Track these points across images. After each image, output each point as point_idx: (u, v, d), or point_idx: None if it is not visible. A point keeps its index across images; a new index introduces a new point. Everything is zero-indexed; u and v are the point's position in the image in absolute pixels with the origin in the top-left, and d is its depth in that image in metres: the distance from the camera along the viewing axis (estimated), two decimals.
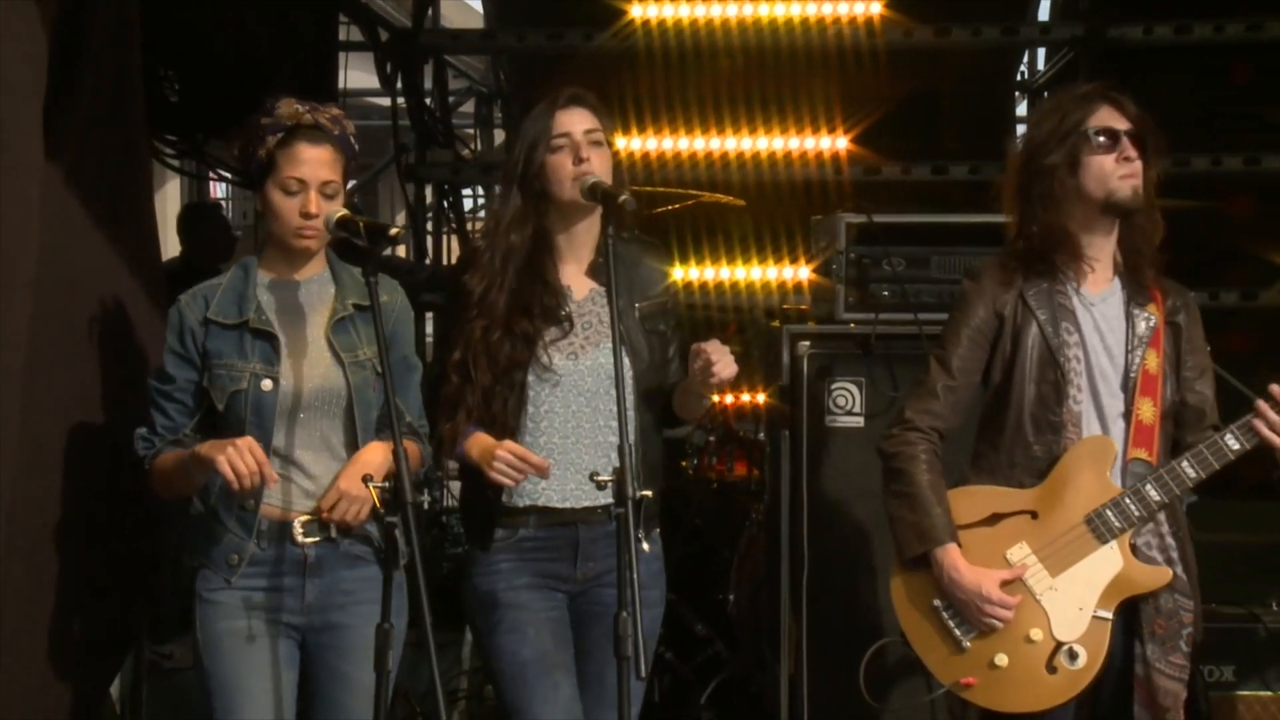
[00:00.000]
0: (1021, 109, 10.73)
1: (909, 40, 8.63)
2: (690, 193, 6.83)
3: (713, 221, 8.65)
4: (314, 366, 4.23)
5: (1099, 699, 4.33)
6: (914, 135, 9.26)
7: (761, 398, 6.65)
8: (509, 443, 4.15)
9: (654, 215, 6.85)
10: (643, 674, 3.96)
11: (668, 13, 8.66)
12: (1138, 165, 4.22)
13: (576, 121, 4.30)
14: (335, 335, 4.24)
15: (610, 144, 4.36)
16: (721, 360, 4.18)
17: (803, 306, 6.05)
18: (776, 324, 5.70)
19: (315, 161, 4.21)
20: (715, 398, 6.09)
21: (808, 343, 5.45)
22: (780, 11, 8.69)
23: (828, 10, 8.66)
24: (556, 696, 4.38)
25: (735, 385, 6.71)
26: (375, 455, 4.15)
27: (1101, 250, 4.30)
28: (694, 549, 6.67)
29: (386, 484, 3.99)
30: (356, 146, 4.29)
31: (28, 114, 4.29)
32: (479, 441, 4.21)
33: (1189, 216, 8.00)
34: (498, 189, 4.50)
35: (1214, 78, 8.86)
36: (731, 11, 8.69)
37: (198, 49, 6.49)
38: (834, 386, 5.43)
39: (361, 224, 4.10)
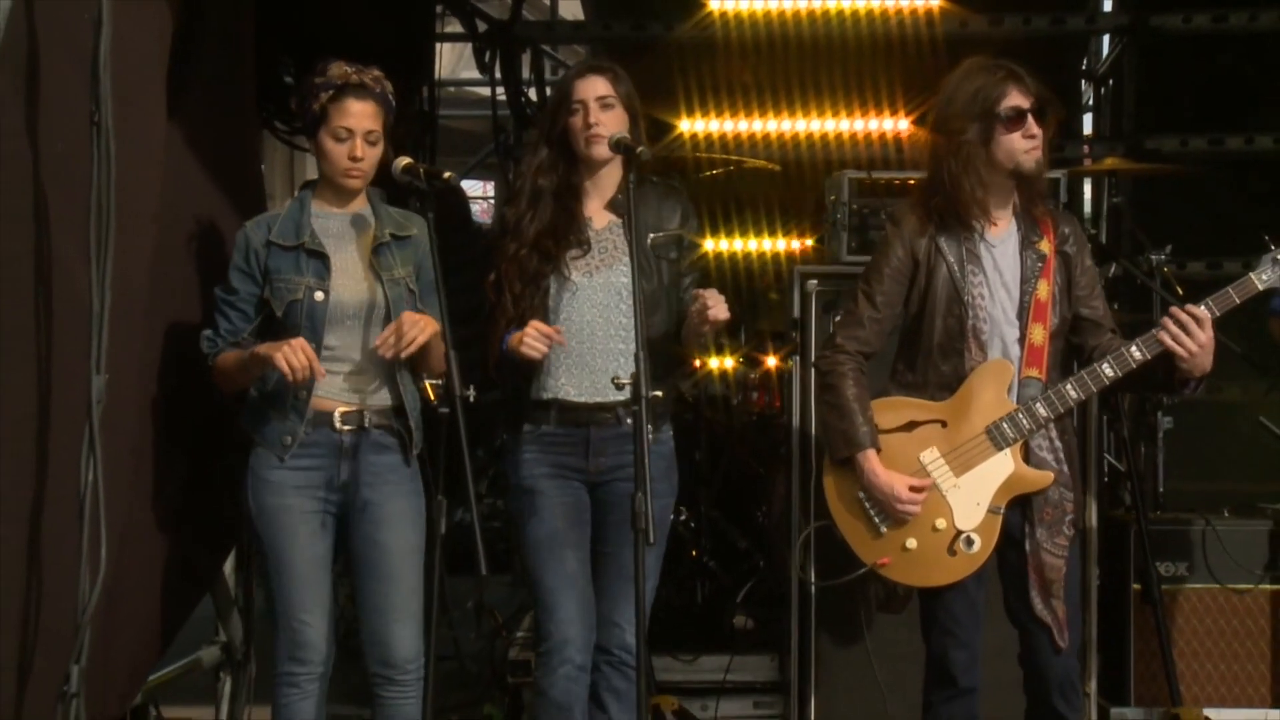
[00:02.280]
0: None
1: (964, 30, 9.09)
2: (732, 158, 7.64)
3: (784, 199, 9.30)
4: (358, 282, 5.06)
5: (1006, 580, 5.09)
6: None
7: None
8: (534, 321, 4.98)
9: (708, 180, 7.73)
10: (652, 540, 4.70)
11: (743, 5, 9.22)
12: (1039, 138, 4.95)
13: (590, 89, 5.12)
14: (375, 257, 5.07)
15: (625, 104, 5.14)
16: (717, 305, 5.00)
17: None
18: None
19: (361, 114, 5.03)
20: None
21: (815, 281, 6.22)
22: (846, 3, 9.23)
23: (890, 2, 9.18)
24: (563, 568, 5.16)
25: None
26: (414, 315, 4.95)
27: (1003, 203, 5.05)
28: (737, 474, 7.44)
29: (439, 381, 4.88)
30: (394, 103, 5.11)
31: (154, 81, 5.09)
32: (517, 334, 5.01)
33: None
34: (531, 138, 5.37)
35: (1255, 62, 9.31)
36: (802, 3, 9.23)
37: (309, 37, 6.94)
38: (837, 318, 6.01)
39: (422, 170, 5.00)
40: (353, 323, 5.06)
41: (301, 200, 5.13)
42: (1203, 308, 4.88)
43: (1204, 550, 6.46)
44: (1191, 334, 4.84)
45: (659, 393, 5.03)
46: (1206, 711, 6.26)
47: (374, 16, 7.87)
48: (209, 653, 6.27)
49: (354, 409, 5.04)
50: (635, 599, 4.86)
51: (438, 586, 4.94)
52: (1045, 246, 5.05)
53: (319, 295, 5.02)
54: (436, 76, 8.94)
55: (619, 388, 4.87)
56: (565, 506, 5.20)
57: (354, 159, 5.03)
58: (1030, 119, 4.94)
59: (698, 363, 7.50)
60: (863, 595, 5.93)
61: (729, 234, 9.20)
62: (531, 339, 4.97)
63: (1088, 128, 10.90)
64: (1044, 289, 5.03)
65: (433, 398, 4.90)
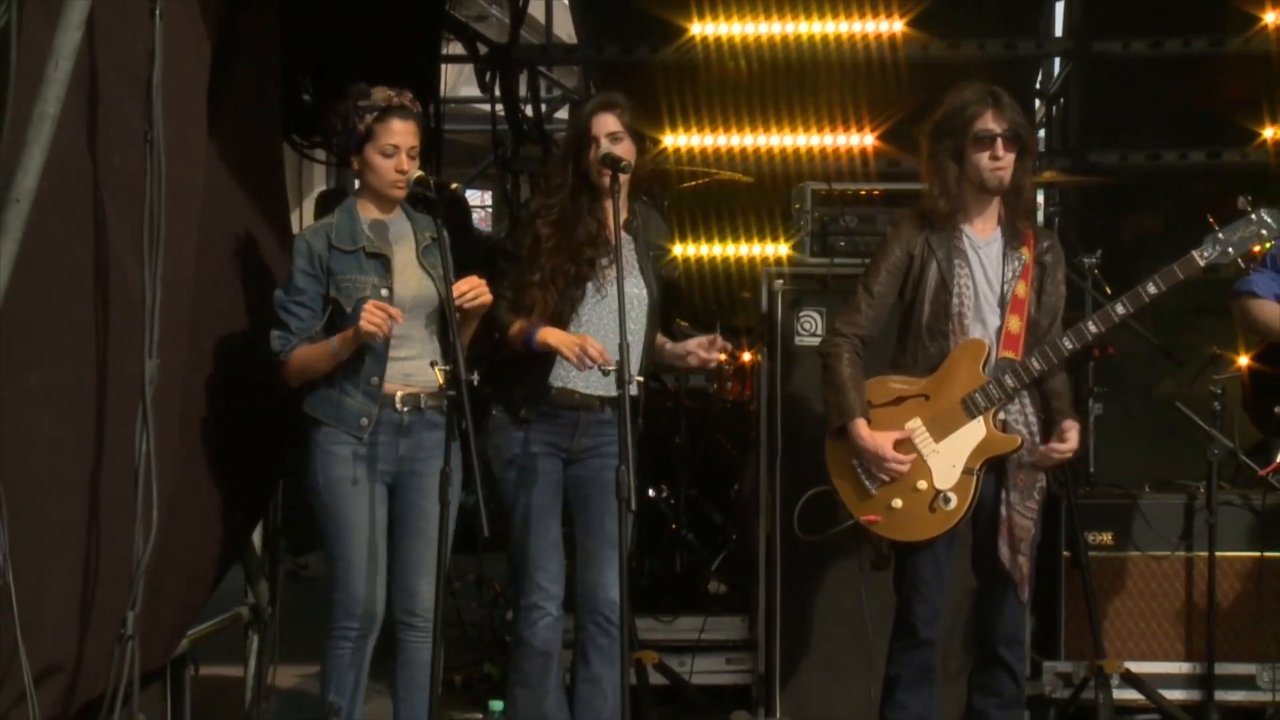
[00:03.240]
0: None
1: (925, 53, 9.40)
2: (710, 170, 7.95)
3: (759, 207, 9.58)
4: (414, 279, 5.42)
5: (976, 535, 5.51)
6: None
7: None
8: (594, 340, 5.38)
9: (688, 191, 8.08)
10: (634, 508, 5.19)
11: (722, 30, 9.49)
12: (1006, 160, 5.36)
13: (603, 126, 5.57)
14: (424, 257, 5.46)
15: (632, 134, 5.59)
16: (710, 354, 5.60)
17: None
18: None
19: (405, 132, 5.41)
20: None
21: (781, 280, 6.58)
22: (817, 29, 9.46)
23: (858, 28, 9.43)
24: (547, 534, 5.63)
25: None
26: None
27: (986, 209, 5.45)
28: (713, 456, 7.73)
29: (449, 367, 5.17)
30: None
31: (197, 102, 5.45)
32: (553, 333, 5.43)
33: None
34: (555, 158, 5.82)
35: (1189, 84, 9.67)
36: (776, 29, 9.47)
37: (326, 60, 7.23)
38: (801, 314, 6.54)
39: (432, 181, 5.38)
40: (411, 315, 5.38)
41: (349, 210, 5.46)
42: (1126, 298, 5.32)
43: (1127, 522, 6.81)
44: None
45: (642, 378, 5.50)
46: (1127, 664, 6.55)
47: (386, 40, 8.07)
48: (240, 612, 6.59)
49: (412, 391, 5.39)
50: (619, 561, 5.28)
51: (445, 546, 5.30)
52: (1026, 254, 5.45)
53: (384, 292, 5.35)
54: (442, 94, 9.24)
55: (605, 374, 5.34)
56: (551, 481, 5.62)
57: (401, 172, 5.39)
58: (999, 143, 5.33)
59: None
60: (830, 562, 6.39)
61: (708, 239, 9.47)
62: (591, 353, 5.37)
63: (1042, 143, 11.07)
64: (1022, 288, 5.44)
65: (441, 382, 5.22)
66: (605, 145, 5.52)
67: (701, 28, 9.56)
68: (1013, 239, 5.50)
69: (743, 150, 9.75)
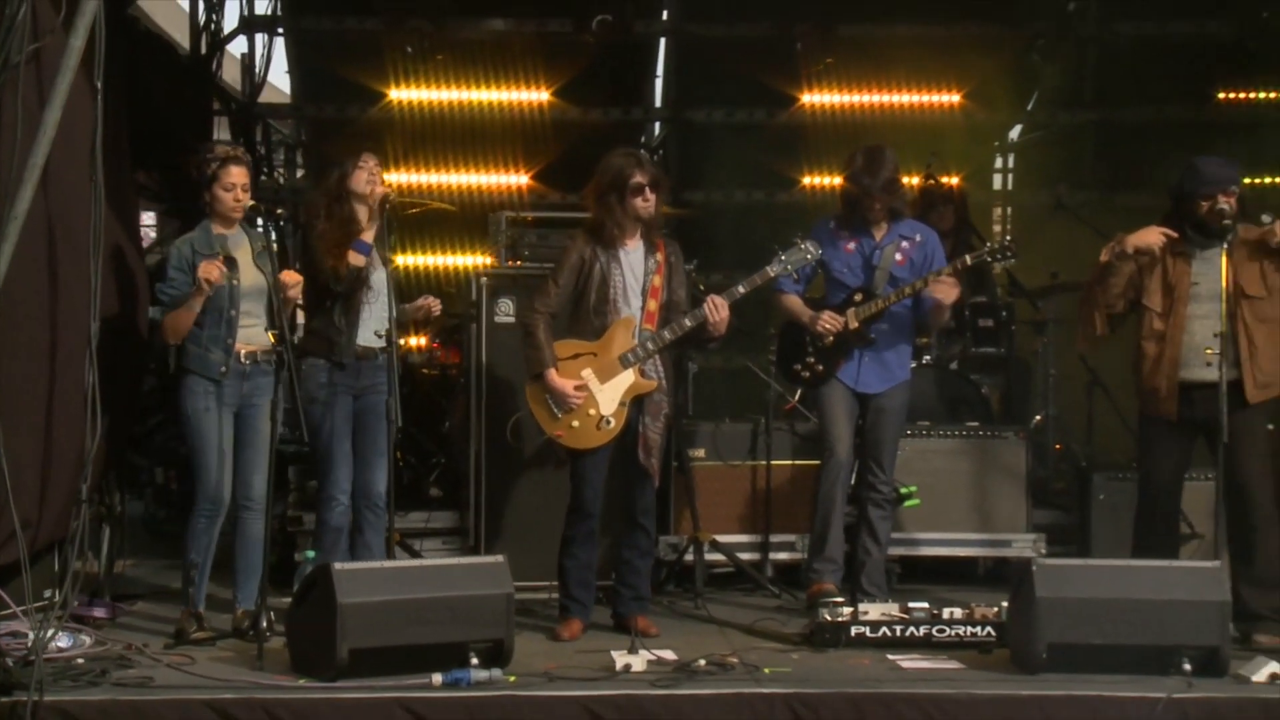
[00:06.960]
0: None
1: (565, 116, 11.17)
2: (421, 201, 9.45)
3: (448, 228, 11.04)
4: (252, 276, 6.88)
5: (625, 447, 7.04)
6: (576, 177, 9.38)
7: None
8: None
9: (408, 216, 9.52)
10: (399, 425, 6.83)
11: (413, 95, 11.12)
12: (653, 200, 6.89)
13: (366, 164, 7.16)
14: (258, 260, 6.96)
15: (378, 170, 7.17)
16: (436, 306, 7.18)
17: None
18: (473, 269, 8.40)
19: (239, 174, 6.87)
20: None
21: (485, 278, 8.02)
22: (486, 96, 11.21)
23: (516, 97, 11.23)
24: (343, 447, 7.04)
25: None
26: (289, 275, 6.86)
27: (634, 231, 7.01)
28: (428, 403, 9.28)
29: (277, 331, 6.76)
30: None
31: (100, 153, 6.65)
32: None
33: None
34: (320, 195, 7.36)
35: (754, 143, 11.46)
36: (455, 95, 11.18)
37: (137, 119, 8.20)
38: (499, 301, 7.90)
39: (262, 208, 7.23)
40: (249, 300, 6.86)
41: (205, 228, 6.95)
42: (724, 296, 6.86)
43: (714, 441, 8.30)
44: (718, 309, 6.88)
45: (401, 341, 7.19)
46: (715, 535, 7.97)
47: (177, 103, 9.83)
48: (100, 509, 7.75)
49: (251, 349, 6.88)
50: (386, 463, 6.91)
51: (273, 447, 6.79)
52: (659, 257, 7.00)
53: (235, 282, 6.83)
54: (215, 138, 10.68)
55: (379, 336, 6.95)
56: (344, 411, 7.11)
57: (237, 201, 6.90)
58: (647, 189, 6.94)
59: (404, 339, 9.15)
60: (518, 470, 7.85)
61: (423, 251, 11.02)
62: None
63: None
64: (657, 280, 6.93)
65: (272, 339, 6.85)
66: (375, 173, 7.07)
67: (398, 93, 11.16)
68: (650, 247, 6.97)
69: (432, 186, 11.31)
